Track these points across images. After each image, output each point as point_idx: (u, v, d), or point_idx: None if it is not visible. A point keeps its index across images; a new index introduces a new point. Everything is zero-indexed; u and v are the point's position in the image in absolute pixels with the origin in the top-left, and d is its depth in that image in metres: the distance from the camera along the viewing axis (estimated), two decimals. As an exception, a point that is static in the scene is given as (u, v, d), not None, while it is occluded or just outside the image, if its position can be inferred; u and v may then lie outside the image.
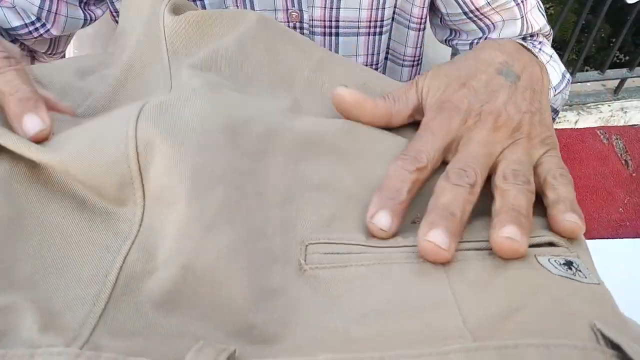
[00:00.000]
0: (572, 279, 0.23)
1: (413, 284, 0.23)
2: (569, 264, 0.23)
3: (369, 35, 0.53)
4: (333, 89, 0.31)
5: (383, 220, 0.25)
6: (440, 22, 0.58)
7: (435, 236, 0.23)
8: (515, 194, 0.26)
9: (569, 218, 0.26)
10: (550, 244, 0.25)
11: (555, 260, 0.24)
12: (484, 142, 0.29)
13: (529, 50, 0.36)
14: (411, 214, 0.27)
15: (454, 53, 0.62)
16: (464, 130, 0.29)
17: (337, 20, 0.51)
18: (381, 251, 0.25)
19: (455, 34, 0.58)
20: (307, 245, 0.25)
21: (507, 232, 0.23)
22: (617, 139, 0.48)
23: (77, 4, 0.51)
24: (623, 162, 0.46)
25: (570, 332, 0.19)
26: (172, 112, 0.25)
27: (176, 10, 0.31)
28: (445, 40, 0.60)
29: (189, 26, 0.31)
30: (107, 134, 0.24)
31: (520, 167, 0.28)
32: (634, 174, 0.45)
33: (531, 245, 0.24)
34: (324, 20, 0.51)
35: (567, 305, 0.21)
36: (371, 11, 0.51)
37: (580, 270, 0.23)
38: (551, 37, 0.58)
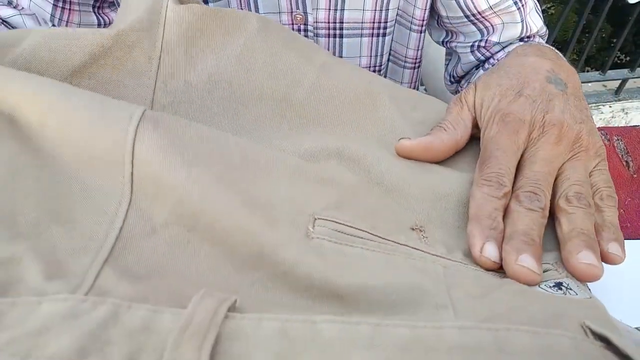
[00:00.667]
0: (564, 296, 0.23)
1: (414, 279, 0.23)
2: (558, 285, 0.24)
3: (372, 36, 0.53)
4: (396, 142, 0.31)
5: (493, 252, 0.25)
6: (437, 23, 0.58)
7: (526, 261, 0.24)
8: (582, 217, 0.27)
9: (613, 250, 0.26)
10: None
11: (545, 285, 0.24)
12: (548, 159, 0.29)
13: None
14: (409, 221, 0.28)
15: (449, 53, 0.62)
16: (529, 144, 0.30)
17: (342, 22, 0.51)
18: (386, 242, 0.25)
19: (452, 35, 0.57)
20: (316, 219, 0.25)
21: (587, 259, 0.25)
22: (618, 139, 0.48)
23: (91, 9, 0.51)
24: (624, 163, 0.46)
25: (560, 326, 0.19)
26: (177, 122, 0.25)
27: (181, 1, 0.32)
28: (442, 41, 0.60)
29: (190, 15, 0.30)
30: (112, 103, 0.25)
31: (582, 188, 0.28)
32: (634, 175, 0.46)
33: None
34: (329, 22, 0.51)
35: (559, 308, 0.21)
36: (375, 12, 0.51)
37: (570, 289, 0.24)
38: (546, 37, 0.58)
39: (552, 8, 2.20)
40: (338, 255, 0.24)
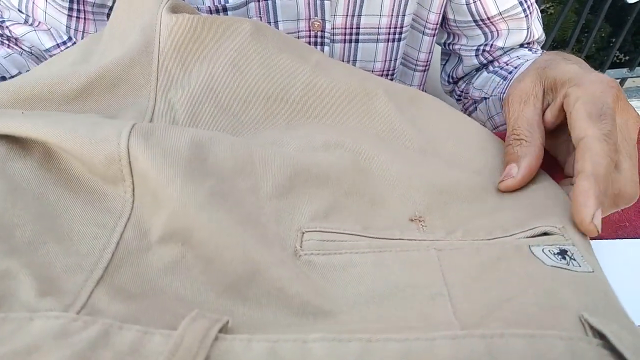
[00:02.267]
0: (566, 269, 0.23)
1: (406, 274, 0.23)
2: (563, 253, 0.23)
3: (387, 42, 0.53)
4: (500, 185, 0.30)
5: (599, 221, 0.24)
6: (442, 26, 0.58)
7: None
8: None
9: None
10: (545, 234, 0.25)
11: (549, 250, 0.24)
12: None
13: None
14: (408, 212, 0.28)
15: (446, 53, 0.62)
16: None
17: (358, 27, 0.51)
18: (376, 242, 0.25)
19: (455, 37, 0.58)
20: (303, 233, 0.25)
21: None
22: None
23: (105, 18, 0.51)
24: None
25: (557, 323, 0.19)
26: (168, 133, 0.25)
27: (175, 10, 0.32)
28: (444, 43, 0.60)
29: (183, 27, 0.31)
30: (103, 122, 0.25)
31: None
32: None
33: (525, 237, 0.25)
34: (345, 28, 0.51)
35: (557, 297, 0.21)
36: (391, 18, 0.51)
37: (574, 259, 0.23)
38: (542, 43, 0.59)
39: (552, 8, 2.20)
40: (328, 270, 0.24)
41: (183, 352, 0.16)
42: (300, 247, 0.25)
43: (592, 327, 0.18)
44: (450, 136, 0.34)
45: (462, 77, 0.60)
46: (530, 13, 0.52)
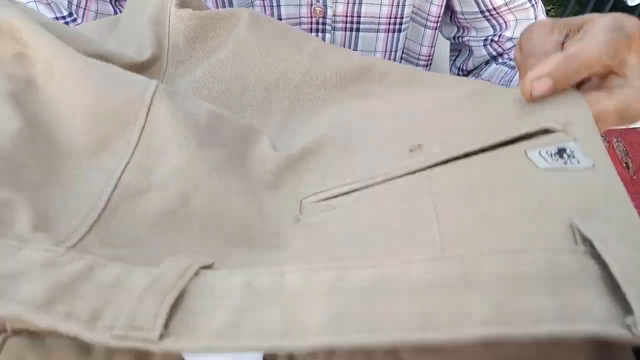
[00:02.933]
0: (562, 169, 0.21)
1: (397, 206, 0.23)
2: (560, 152, 0.22)
3: (388, 32, 0.54)
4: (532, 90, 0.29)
5: (542, 88, 0.25)
6: (450, 19, 0.58)
7: None
8: None
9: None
10: (546, 131, 0.24)
11: (546, 152, 0.23)
12: None
13: None
14: (408, 143, 0.28)
15: (457, 49, 0.62)
16: None
17: (359, 16, 0.52)
18: (369, 182, 0.26)
19: (464, 30, 0.58)
20: (301, 201, 0.27)
21: None
22: (617, 141, 0.48)
23: (107, 0, 0.51)
24: (624, 164, 0.46)
25: (544, 233, 0.18)
26: (188, 99, 0.27)
27: (182, 5, 0.33)
28: (454, 37, 0.60)
29: (189, 22, 0.32)
30: (129, 73, 0.26)
31: None
32: (634, 177, 0.45)
33: (524, 137, 0.24)
34: (346, 16, 0.51)
35: (547, 204, 0.20)
36: (391, 8, 0.51)
37: (573, 156, 0.22)
38: None
39: (552, 10, 2.20)
40: (324, 224, 0.24)
41: (160, 285, 0.16)
42: (300, 214, 0.26)
43: (582, 234, 0.17)
44: (454, 113, 0.33)
45: (472, 71, 0.60)
46: (536, 3, 0.53)
